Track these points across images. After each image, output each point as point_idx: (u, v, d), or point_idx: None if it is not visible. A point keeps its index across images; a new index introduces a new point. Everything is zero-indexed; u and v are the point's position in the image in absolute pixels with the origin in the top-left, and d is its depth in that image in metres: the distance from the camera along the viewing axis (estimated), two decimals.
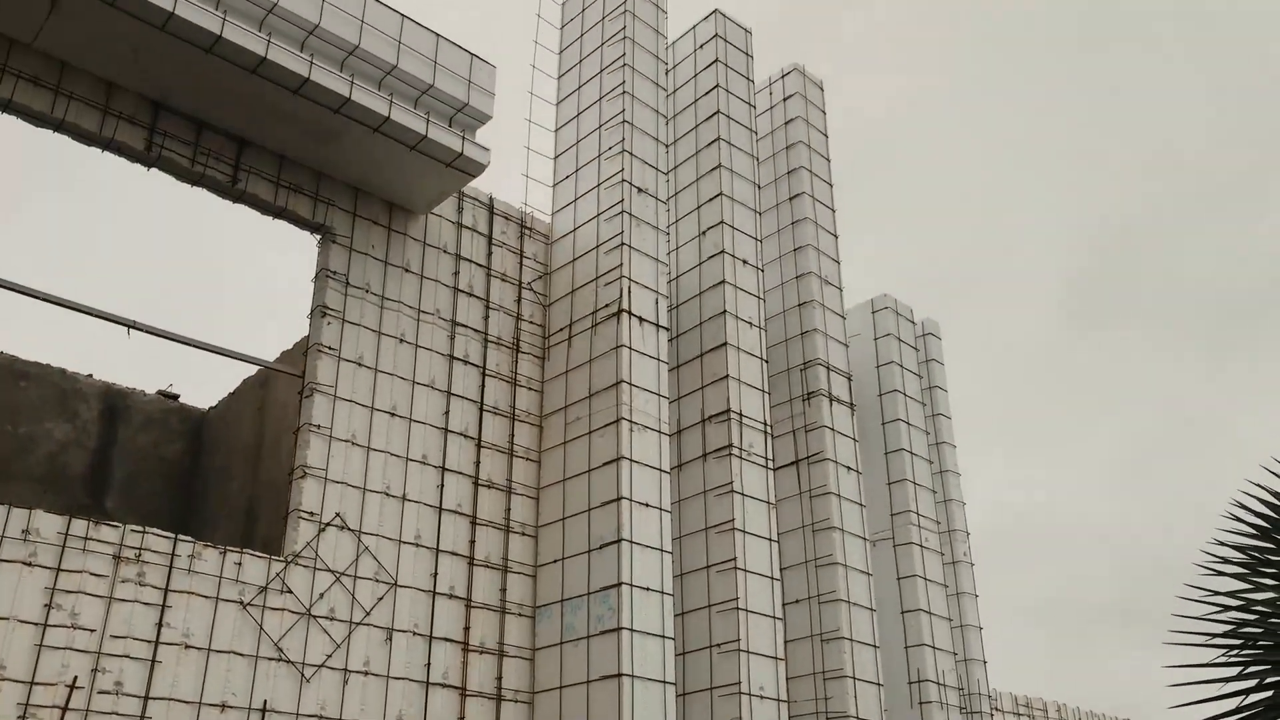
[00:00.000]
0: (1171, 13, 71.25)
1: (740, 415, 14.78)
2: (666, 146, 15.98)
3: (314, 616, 11.51)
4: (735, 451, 14.48)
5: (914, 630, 17.95)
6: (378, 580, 12.17)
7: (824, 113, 19.77)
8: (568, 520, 13.51)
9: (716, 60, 17.24)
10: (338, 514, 12.08)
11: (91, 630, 9.99)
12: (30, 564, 9.85)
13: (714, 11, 17.72)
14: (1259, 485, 7.12)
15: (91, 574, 10.16)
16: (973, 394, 57.44)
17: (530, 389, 14.64)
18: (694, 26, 17.98)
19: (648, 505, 13.19)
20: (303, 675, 11.20)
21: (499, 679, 12.79)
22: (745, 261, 16.08)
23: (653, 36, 16.29)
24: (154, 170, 12.15)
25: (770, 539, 14.40)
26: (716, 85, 17.05)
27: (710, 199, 16.31)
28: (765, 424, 15.15)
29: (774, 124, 19.41)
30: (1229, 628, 6.91)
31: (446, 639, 12.53)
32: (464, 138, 13.17)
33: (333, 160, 13.13)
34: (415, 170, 13.27)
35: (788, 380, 17.59)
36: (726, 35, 17.59)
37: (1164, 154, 71.60)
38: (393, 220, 13.93)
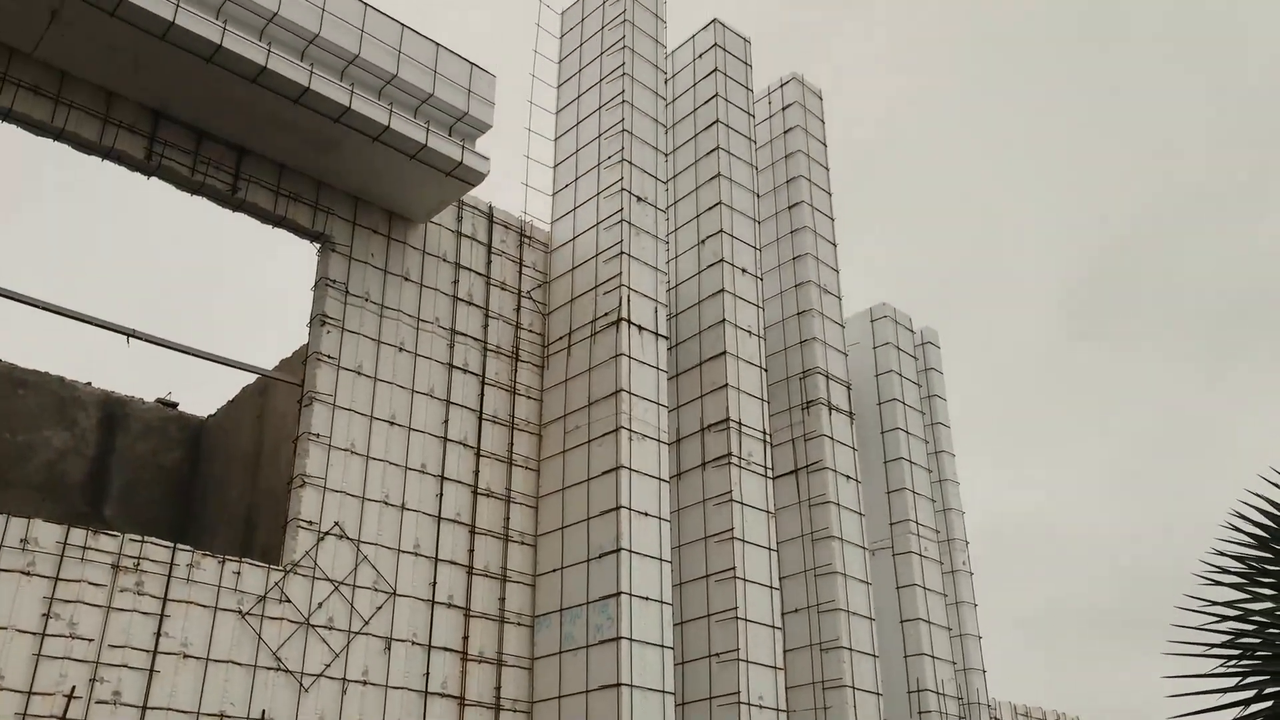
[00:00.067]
0: (1172, 13, 71.46)
1: (739, 424, 14.78)
2: (666, 155, 16.01)
3: (312, 626, 11.49)
4: (734, 460, 14.48)
5: (913, 640, 17.94)
6: (376, 589, 12.16)
7: (823, 121, 19.82)
8: (567, 529, 13.50)
9: (715, 69, 17.28)
10: (337, 523, 12.07)
11: (90, 640, 9.98)
12: (29, 573, 9.84)
13: (713, 21, 17.76)
14: (1258, 495, 7.12)
15: (90, 583, 10.14)
16: (972, 398, 57.52)
17: (529, 398, 14.64)
18: (693, 36, 18.03)
19: (647, 514, 13.19)
20: (301, 685, 11.18)
21: (498, 688, 12.77)
22: (744, 270, 16.10)
23: (652, 46, 16.33)
24: (154, 179, 12.17)
25: (769, 548, 14.39)
26: (716, 94, 17.08)
27: (709, 208, 16.34)
28: (764, 433, 15.15)
29: (773, 133, 19.46)
30: (1227, 638, 6.90)
31: (445, 648, 12.51)
32: (463, 147, 13.19)
33: (332, 169, 13.15)
34: (415, 179, 13.29)
35: (787, 389, 17.60)
36: (725, 44, 17.63)
37: (1164, 154, 71.70)
38: (392, 229, 13.95)
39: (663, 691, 12.36)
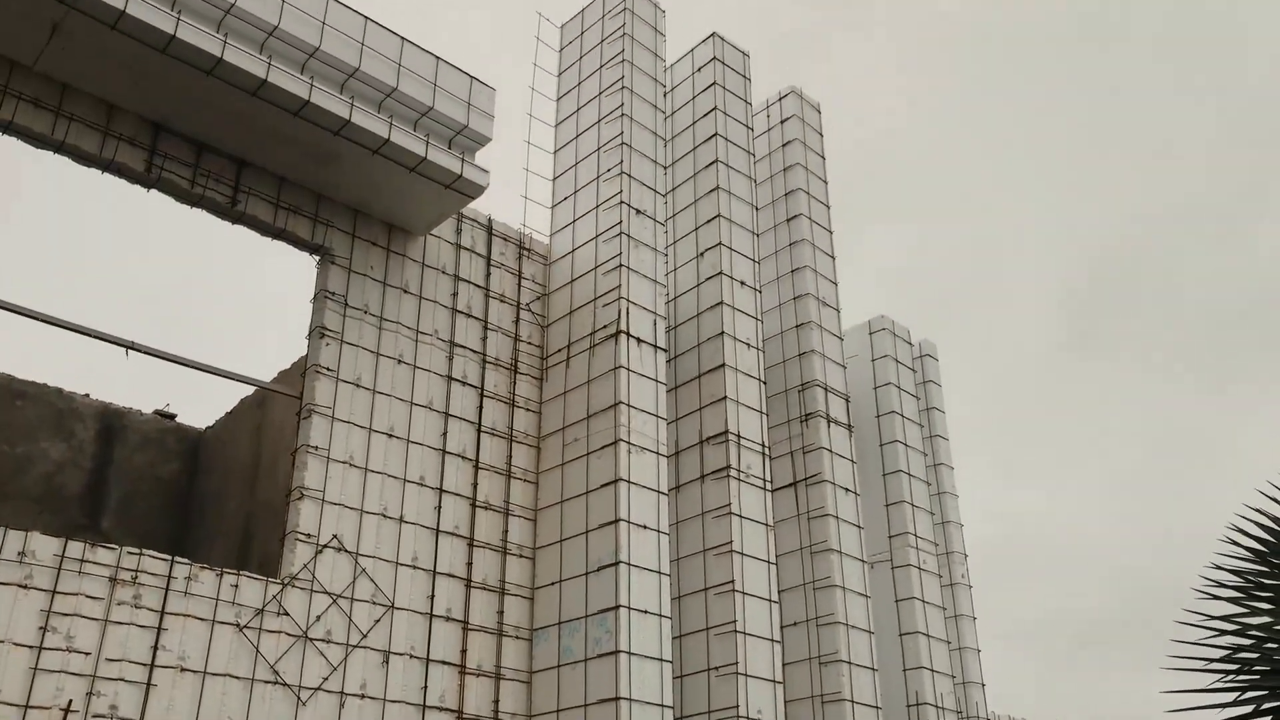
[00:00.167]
0: (1172, 13, 71.63)
1: (738, 437, 14.79)
2: (665, 168, 16.05)
3: (310, 639, 11.47)
4: (733, 473, 14.47)
5: (912, 653, 17.91)
6: (375, 602, 12.14)
7: (821, 135, 19.87)
8: (565, 542, 13.49)
9: (714, 83, 17.33)
10: (335, 535, 12.06)
11: (87, 653, 9.95)
12: (26, 586, 9.82)
13: (712, 34, 17.82)
14: (1256, 510, 7.13)
15: (87, 596, 10.13)
16: (970, 409, 57.50)
17: (528, 410, 14.64)
18: (692, 49, 18.08)
19: (645, 527, 13.18)
20: (299, 698, 11.16)
21: (496, 702, 12.74)
22: (743, 283, 16.12)
23: (651, 60, 16.38)
24: (154, 191, 12.19)
25: (768, 561, 14.38)
26: (714, 108, 17.13)
27: (708, 221, 16.37)
28: (763, 445, 15.15)
29: (771, 146, 19.50)
30: (1225, 652, 6.91)
31: (443, 661, 12.49)
32: (463, 159, 13.23)
33: (332, 182, 13.18)
34: (414, 192, 13.32)
35: (785, 402, 17.61)
36: (724, 58, 17.68)
37: (1164, 155, 71.71)
38: (392, 241, 13.97)
39: (661, 705, 12.33)
